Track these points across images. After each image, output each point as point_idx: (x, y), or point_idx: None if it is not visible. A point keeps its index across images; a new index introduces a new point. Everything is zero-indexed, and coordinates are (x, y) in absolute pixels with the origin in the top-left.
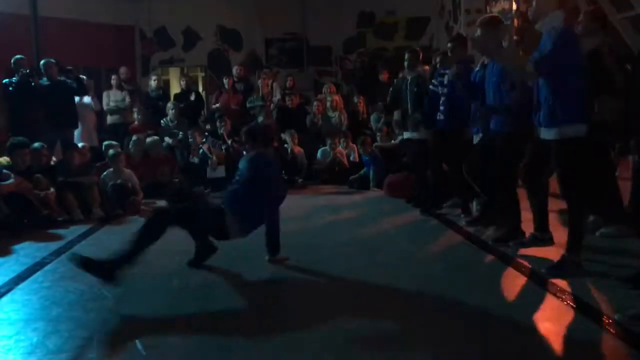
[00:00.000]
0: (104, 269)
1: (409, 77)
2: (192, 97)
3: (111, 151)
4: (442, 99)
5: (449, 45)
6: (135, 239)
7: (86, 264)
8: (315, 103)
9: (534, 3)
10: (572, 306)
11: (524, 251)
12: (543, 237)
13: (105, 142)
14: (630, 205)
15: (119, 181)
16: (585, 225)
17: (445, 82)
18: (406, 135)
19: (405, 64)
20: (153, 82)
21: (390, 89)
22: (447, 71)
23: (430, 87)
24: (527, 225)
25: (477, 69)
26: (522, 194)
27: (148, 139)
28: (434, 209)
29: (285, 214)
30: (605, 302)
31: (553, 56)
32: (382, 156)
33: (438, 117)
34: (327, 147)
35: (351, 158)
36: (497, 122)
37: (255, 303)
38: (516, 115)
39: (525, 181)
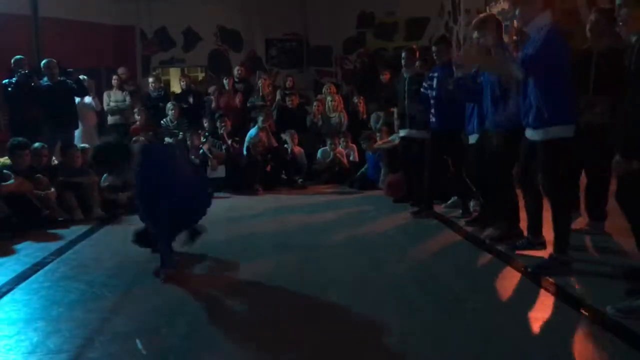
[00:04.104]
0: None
1: (406, 76)
2: (191, 99)
3: None
4: (432, 101)
5: (434, 48)
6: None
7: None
8: (315, 103)
9: (518, 9)
10: (569, 304)
11: (521, 251)
12: (535, 240)
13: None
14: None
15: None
16: (570, 224)
17: (434, 84)
18: (402, 133)
19: (403, 62)
20: (151, 84)
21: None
22: (436, 74)
23: (422, 89)
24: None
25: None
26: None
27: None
28: (425, 211)
29: (286, 213)
30: (599, 297)
31: (539, 55)
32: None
33: (431, 119)
34: (327, 147)
35: (351, 158)
36: (491, 120)
37: (255, 302)
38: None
39: (520, 183)
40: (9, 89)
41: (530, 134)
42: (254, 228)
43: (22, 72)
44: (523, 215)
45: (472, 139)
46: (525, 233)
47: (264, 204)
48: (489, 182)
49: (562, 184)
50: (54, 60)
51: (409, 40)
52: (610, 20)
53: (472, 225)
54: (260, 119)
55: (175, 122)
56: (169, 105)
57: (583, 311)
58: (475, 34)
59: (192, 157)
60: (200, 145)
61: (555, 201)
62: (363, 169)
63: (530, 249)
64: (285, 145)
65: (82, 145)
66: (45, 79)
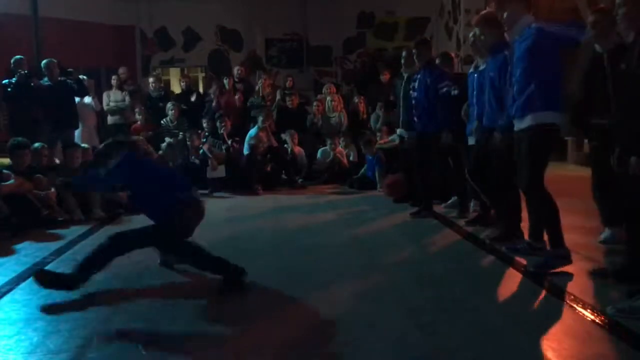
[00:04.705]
0: (63, 283)
1: (405, 75)
2: (193, 98)
3: None
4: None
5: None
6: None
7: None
8: (315, 103)
9: (505, 13)
10: (569, 304)
11: (521, 257)
12: (536, 245)
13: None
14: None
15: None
16: (558, 217)
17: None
18: (400, 133)
19: (402, 61)
20: (152, 84)
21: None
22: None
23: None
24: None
25: (470, 70)
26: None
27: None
28: (424, 211)
29: (286, 213)
30: (599, 297)
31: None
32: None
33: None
34: (327, 147)
35: (351, 158)
36: (489, 117)
37: (255, 302)
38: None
39: (522, 188)
40: (9, 89)
41: (517, 124)
42: (254, 228)
43: (22, 72)
44: (524, 215)
45: (472, 140)
46: (527, 236)
47: (263, 204)
48: (492, 182)
49: (542, 179)
50: (54, 60)
51: (409, 40)
52: (611, 18)
53: (472, 225)
54: (260, 119)
55: (175, 122)
56: (169, 105)
57: (583, 311)
58: (477, 31)
59: (192, 157)
60: (200, 145)
61: (537, 196)
62: (363, 169)
63: (530, 254)
64: (285, 145)
65: (83, 145)
66: (45, 79)
